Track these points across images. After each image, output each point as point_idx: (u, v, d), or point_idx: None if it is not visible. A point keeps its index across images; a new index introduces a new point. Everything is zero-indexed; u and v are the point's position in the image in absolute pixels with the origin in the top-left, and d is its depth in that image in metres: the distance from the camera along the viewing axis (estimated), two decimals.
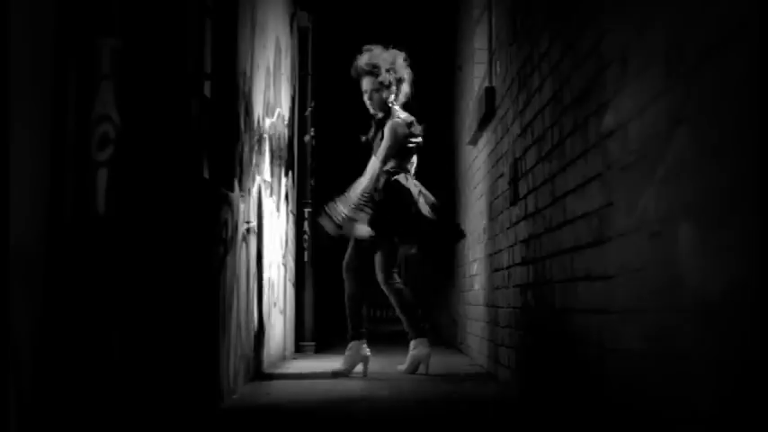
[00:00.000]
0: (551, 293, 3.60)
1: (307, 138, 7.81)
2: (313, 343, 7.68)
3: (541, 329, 3.82)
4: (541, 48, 3.82)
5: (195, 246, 3.54)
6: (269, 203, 5.86)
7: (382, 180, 5.50)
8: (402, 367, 5.59)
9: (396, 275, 5.60)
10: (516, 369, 4.50)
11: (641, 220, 2.39)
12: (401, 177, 5.51)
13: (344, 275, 5.64)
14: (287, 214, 7.01)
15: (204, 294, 3.73)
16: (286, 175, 6.94)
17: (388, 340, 8.98)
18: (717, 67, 1.87)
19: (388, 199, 5.46)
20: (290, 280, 7.24)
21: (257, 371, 5.29)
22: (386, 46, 5.70)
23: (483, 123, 5.73)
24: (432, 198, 5.53)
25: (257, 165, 5.29)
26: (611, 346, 2.71)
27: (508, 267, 4.75)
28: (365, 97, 5.63)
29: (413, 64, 5.79)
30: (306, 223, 7.70)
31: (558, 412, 3.47)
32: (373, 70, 5.58)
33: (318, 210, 5.84)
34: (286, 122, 6.97)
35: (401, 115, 5.59)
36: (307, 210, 7.72)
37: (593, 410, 2.96)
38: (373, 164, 5.51)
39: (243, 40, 4.77)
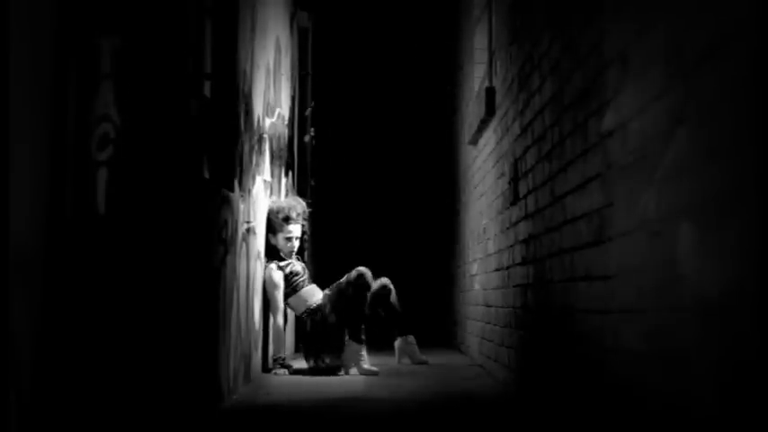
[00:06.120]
0: (551, 293, 3.60)
1: (307, 138, 7.81)
2: None
3: (541, 329, 3.82)
4: (541, 48, 3.82)
5: (195, 246, 3.54)
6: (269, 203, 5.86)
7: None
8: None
9: None
10: (516, 369, 4.50)
11: (641, 220, 2.39)
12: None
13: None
14: None
15: (204, 294, 3.73)
16: (286, 175, 6.94)
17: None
18: (716, 68, 1.87)
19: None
20: None
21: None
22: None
23: (483, 123, 5.73)
24: None
25: (257, 165, 5.29)
26: (610, 346, 2.71)
27: (508, 267, 4.75)
28: (296, 241, 5.89)
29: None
30: (306, 223, 7.69)
31: (558, 411, 3.47)
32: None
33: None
34: (286, 122, 6.96)
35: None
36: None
37: (593, 409, 2.95)
38: None
39: (243, 40, 4.76)
